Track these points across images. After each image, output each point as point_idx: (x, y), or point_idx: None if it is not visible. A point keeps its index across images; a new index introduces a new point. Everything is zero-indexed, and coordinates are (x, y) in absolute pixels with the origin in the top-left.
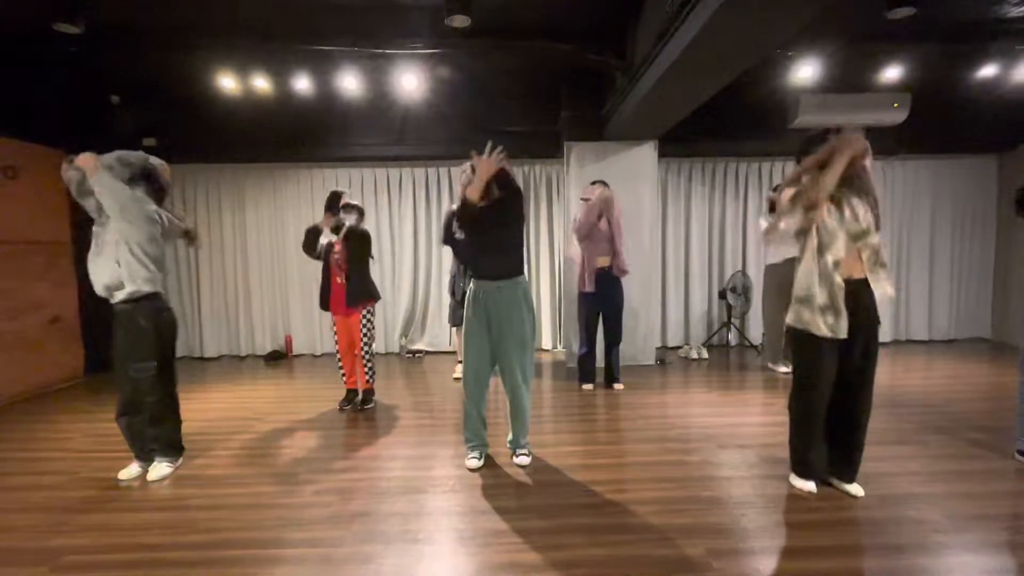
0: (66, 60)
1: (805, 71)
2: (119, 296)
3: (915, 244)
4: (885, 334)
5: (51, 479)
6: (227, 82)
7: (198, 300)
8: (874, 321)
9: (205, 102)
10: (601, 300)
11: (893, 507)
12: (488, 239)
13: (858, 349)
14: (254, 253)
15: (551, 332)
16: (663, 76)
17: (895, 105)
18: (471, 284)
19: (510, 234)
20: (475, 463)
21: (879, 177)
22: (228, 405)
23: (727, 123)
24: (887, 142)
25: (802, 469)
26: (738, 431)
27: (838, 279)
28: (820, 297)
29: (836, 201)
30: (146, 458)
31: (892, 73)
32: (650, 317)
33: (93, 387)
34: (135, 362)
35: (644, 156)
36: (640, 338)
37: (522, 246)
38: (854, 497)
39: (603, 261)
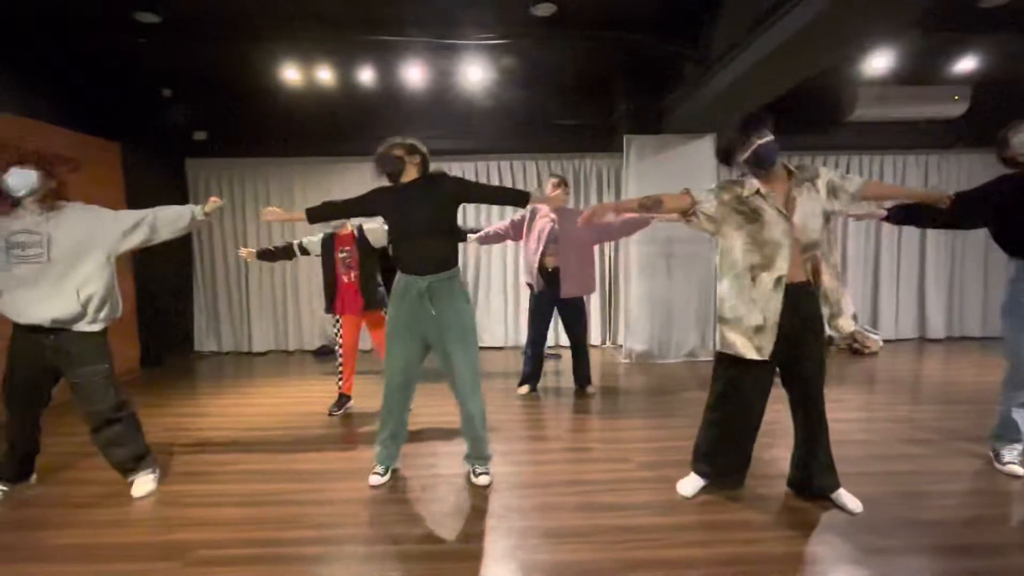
0: (130, 53)
1: (867, 62)
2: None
3: (970, 239)
4: (938, 330)
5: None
6: (284, 74)
7: (247, 295)
8: (814, 329)
9: (255, 96)
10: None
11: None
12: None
13: (799, 362)
14: None
15: (600, 327)
16: (756, 65)
17: (955, 98)
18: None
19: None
20: (379, 480)
21: (934, 171)
22: (282, 400)
23: (780, 116)
24: (943, 136)
25: (696, 466)
26: None
27: (778, 298)
28: (753, 319)
29: (788, 206)
30: None
31: (957, 65)
32: (709, 312)
33: (149, 380)
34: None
35: (703, 149)
36: (700, 334)
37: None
38: (842, 508)
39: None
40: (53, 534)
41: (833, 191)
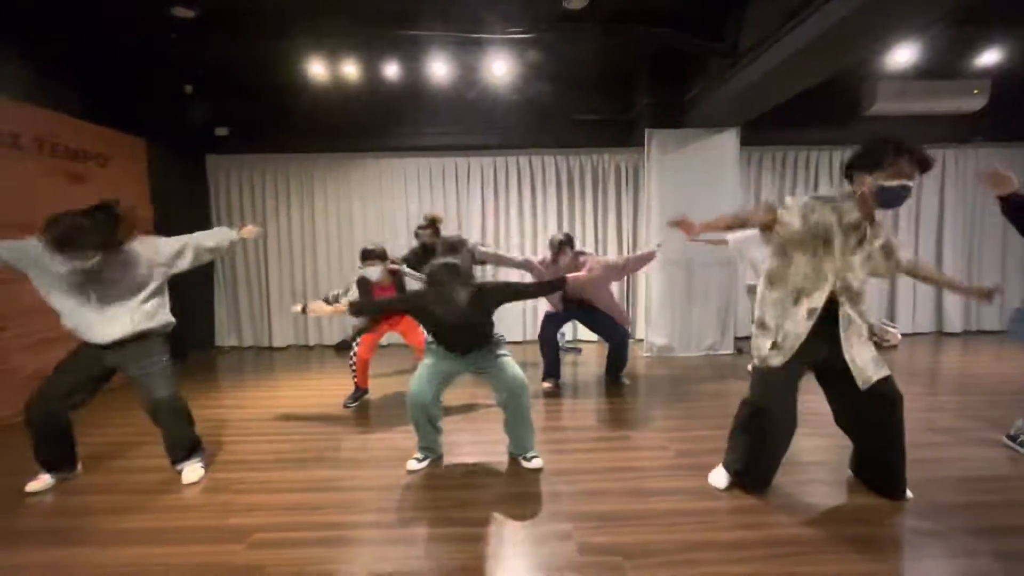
0: (158, 49)
1: (888, 56)
2: None
3: (987, 234)
4: (956, 324)
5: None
6: (307, 69)
7: (267, 290)
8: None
9: (276, 92)
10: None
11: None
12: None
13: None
14: (322, 242)
15: None
16: (786, 60)
17: (975, 92)
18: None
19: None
20: (417, 465)
21: (951, 165)
22: (308, 392)
23: (798, 110)
24: (962, 129)
25: (727, 464)
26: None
27: (806, 327)
28: (778, 336)
29: (859, 238)
30: None
31: (978, 58)
32: (730, 307)
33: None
34: None
35: (726, 143)
36: (720, 329)
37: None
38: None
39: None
40: (115, 519)
41: (889, 251)
